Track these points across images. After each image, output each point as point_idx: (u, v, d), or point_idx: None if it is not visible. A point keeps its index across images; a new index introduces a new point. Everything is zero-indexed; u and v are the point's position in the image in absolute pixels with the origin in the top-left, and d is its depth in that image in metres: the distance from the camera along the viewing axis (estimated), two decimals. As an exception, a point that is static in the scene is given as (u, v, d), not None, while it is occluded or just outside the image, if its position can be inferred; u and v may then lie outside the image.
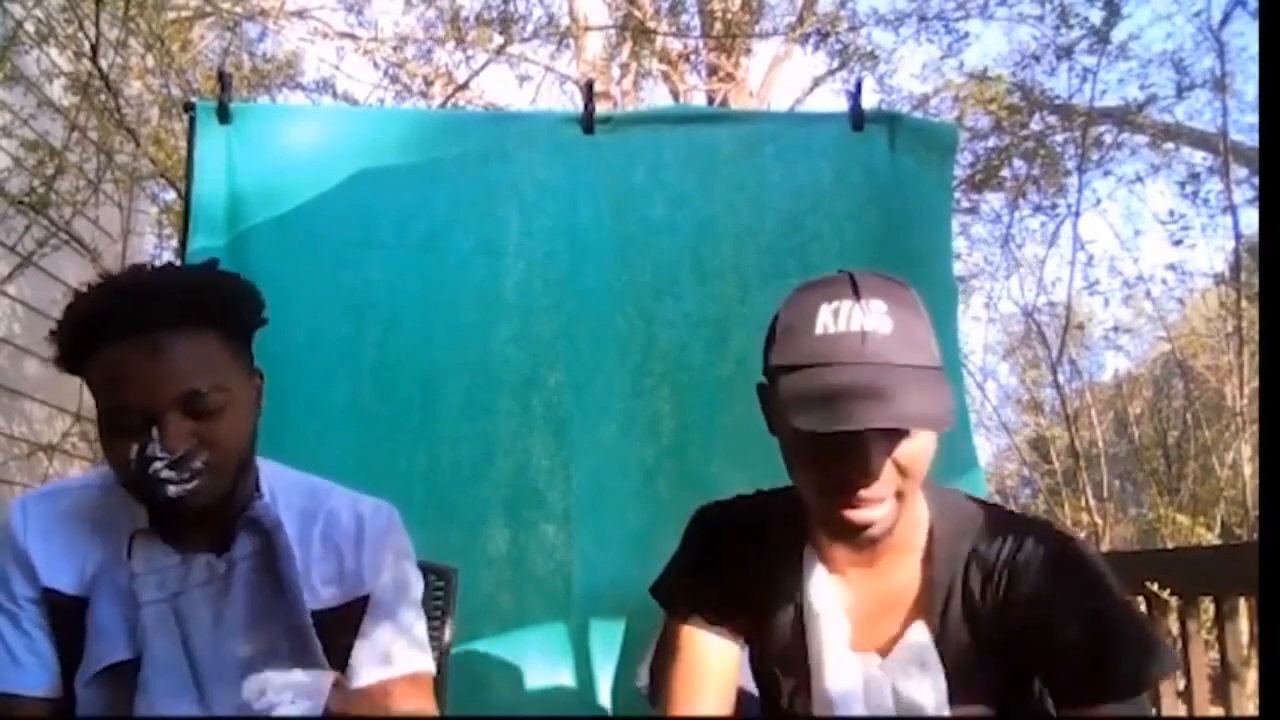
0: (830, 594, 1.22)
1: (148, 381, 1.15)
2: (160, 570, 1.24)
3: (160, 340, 1.16)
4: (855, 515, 1.11)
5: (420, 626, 1.36)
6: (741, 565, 1.28)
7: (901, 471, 1.10)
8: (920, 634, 1.18)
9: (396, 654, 1.32)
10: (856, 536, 1.14)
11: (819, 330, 1.10)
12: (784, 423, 1.12)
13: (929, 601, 1.18)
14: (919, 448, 1.11)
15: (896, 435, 1.09)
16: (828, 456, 1.10)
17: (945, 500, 1.24)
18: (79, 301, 1.21)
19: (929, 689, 1.16)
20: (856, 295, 1.10)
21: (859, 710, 1.18)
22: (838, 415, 1.05)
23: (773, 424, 1.20)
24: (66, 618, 1.24)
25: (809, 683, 1.22)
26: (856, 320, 1.09)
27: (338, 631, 1.29)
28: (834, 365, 1.08)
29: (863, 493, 1.10)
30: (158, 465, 1.15)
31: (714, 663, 1.28)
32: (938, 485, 1.25)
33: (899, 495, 1.12)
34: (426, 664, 1.36)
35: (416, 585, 1.38)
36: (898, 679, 1.17)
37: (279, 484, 1.33)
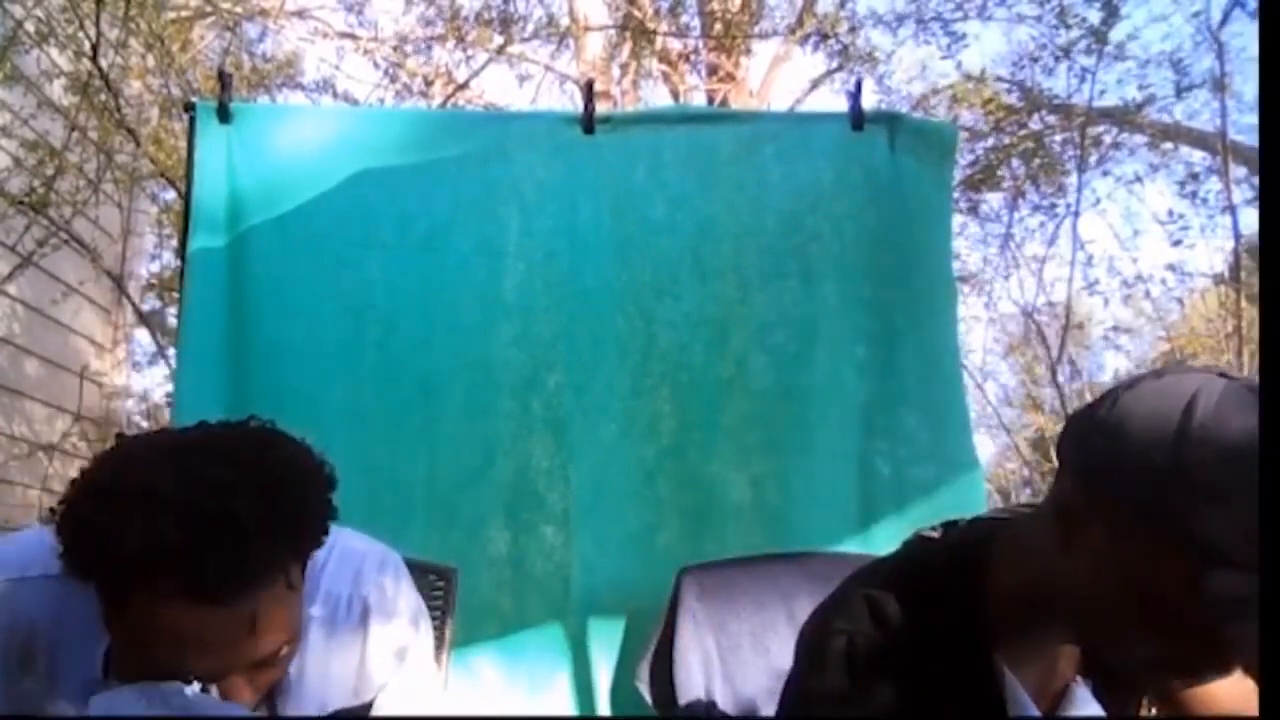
0: (1021, 691, 1.03)
1: (231, 652, 0.94)
2: None
3: (260, 608, 0.93)
4: (1187, 679, 1.00)
5: (428, 686, 1.26)
6: (913, 696, 1.00)
7: None
8: (1083, 689, 1.10)
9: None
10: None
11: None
12: (1157, 585, 0.88)
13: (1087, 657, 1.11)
14: None
15: None
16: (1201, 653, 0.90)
17: None
18: (139, 514, 0.89)
19: None
20: None
21: None
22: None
23: (1079, 538, 0.94)
24: None
25: None
26: None
27: None
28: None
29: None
30: None
31: None
32: None
33: None
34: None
35: (426, 657, 1.26)
36: None
37: None
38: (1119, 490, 0.91)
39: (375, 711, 1.20)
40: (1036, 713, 1.02)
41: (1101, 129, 6.05)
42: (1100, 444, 0.93)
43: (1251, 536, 0.83)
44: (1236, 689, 1.10)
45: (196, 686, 0.96)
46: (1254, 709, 1.01)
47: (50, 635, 1.06)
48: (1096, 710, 1.07)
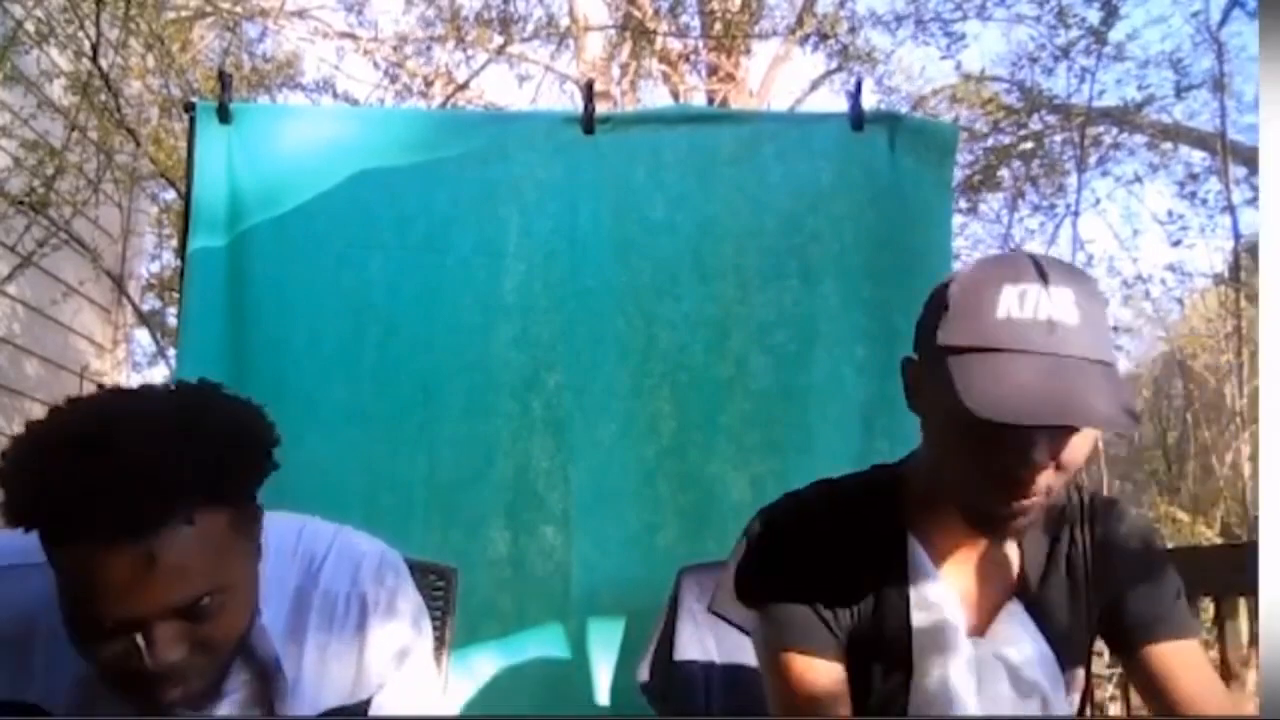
0: (941, 583, 1.18)
1: (139, 593, 0.93)
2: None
3: (160, 546, 0.93)
4: (1009, 509, 1.08)
5: (427, 683, 1.24)
6: (834, 562, 1.17)
7: (1060, 468, 1.08)
8: (1018, 610, 1.19)
9: None
10: (1003, 528, 1.12)
11: (1000, 313, 1.03)
12: (941, 403, 1.06)
13: (1026, 577, 1.20)
14: (1083, 445, 1.08)
15: (1066, 433, 1.05)
16: (992, 448, 1.04)
17: None
18: (41, 469, 0.93)
19: (1035, 658, 1.17)
20: (1044, 280, 1.04)
21: (972, 696, 1.16)
22: (1021, 408, 0.99)
23: (916, 402, 1.15)
24: None
25: (910, 675, 1.17)
26: (1044, 308, 1.02)
27: None
28: (1017, 353, 1.01)
29: (1025, 486, 1.06)
30: (144, 680, 0.97)
31: (833, 688, 1.15)
32: None
33: (1049, 491, 1.09)
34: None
35: (424, 654, 1.24)
36: (1006, 652, 1.18)
37: (274, 563, 1.13)
38: (917, 346, 1.14)
39: (374, 711, 1.20)
40: (938, 576, 1.17)
41: (1101, 129, 6.05)
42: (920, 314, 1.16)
43: (987, 334, 1.03)
44: (1203, 677, 1.18)
45: (139, 640, 0.96)
46: (1216, 698, 1.17)
47: (47, 623, 1.06)
48: (1029, 625, 1.17)
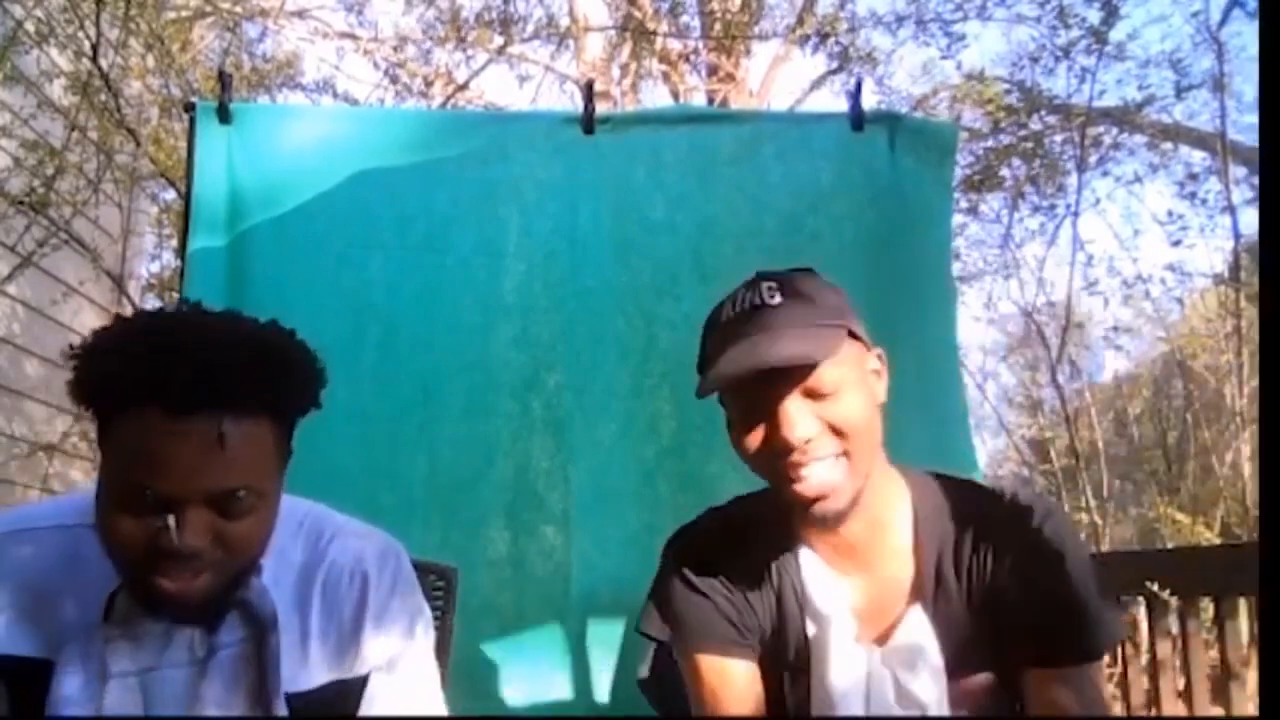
0: (831, 591, 1.24)
1: (188, 470, 1.01)
2: (138, 638, 1.11)
3: (227, 426, 1.01)
4: (802, 486, 1.16)
5: (427, 676, 1.27)
6: (739, 575, 1.28)
7: (837, 432, 1.16)
8: (917, 619, 1.21)
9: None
10: (818, 512, 1.17)
11: (724, 319, 1.22)
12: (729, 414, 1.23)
13: (922, 587, 1.22)
14: (848, 407, 1.17)
15: (810, 394, 1.16)
16: (758, 427, 1.18)
17: (923, 485, 1.28)
18: (128, 341, 1.03)
19: (928, 678, 1.19)
20: (753, 285, 1.22)
21: (859, 707, 1.20)
22: (727, 373, 1.16)
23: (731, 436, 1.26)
24: (23, 686, 1.12)
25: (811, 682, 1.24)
26: (750, 302, 1.21)
27: (332, 708, 1.20)
28: (738, 343, 1.18)
29: (798, 456, 1.15)
30: (166, 560, 1.03)
31: (744, 688, 1.27)
32: (915, 471, 1.29)
33: (847, 456, 1.16)
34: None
35: (424, 644, 1.27)
36: (897, 670, 1.21)
37: (279, 535, 1.17)
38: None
39: (369, 702, 1.21)
40: (836, 588, 1.24)
41: (1101, 129, 6.04)
42: None
43: (718, 339, 1.20)
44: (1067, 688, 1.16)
45: (170, 520, 1.02)
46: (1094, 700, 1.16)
47: (59, 579, 1.13)
48: (927, 633, 1.20)
